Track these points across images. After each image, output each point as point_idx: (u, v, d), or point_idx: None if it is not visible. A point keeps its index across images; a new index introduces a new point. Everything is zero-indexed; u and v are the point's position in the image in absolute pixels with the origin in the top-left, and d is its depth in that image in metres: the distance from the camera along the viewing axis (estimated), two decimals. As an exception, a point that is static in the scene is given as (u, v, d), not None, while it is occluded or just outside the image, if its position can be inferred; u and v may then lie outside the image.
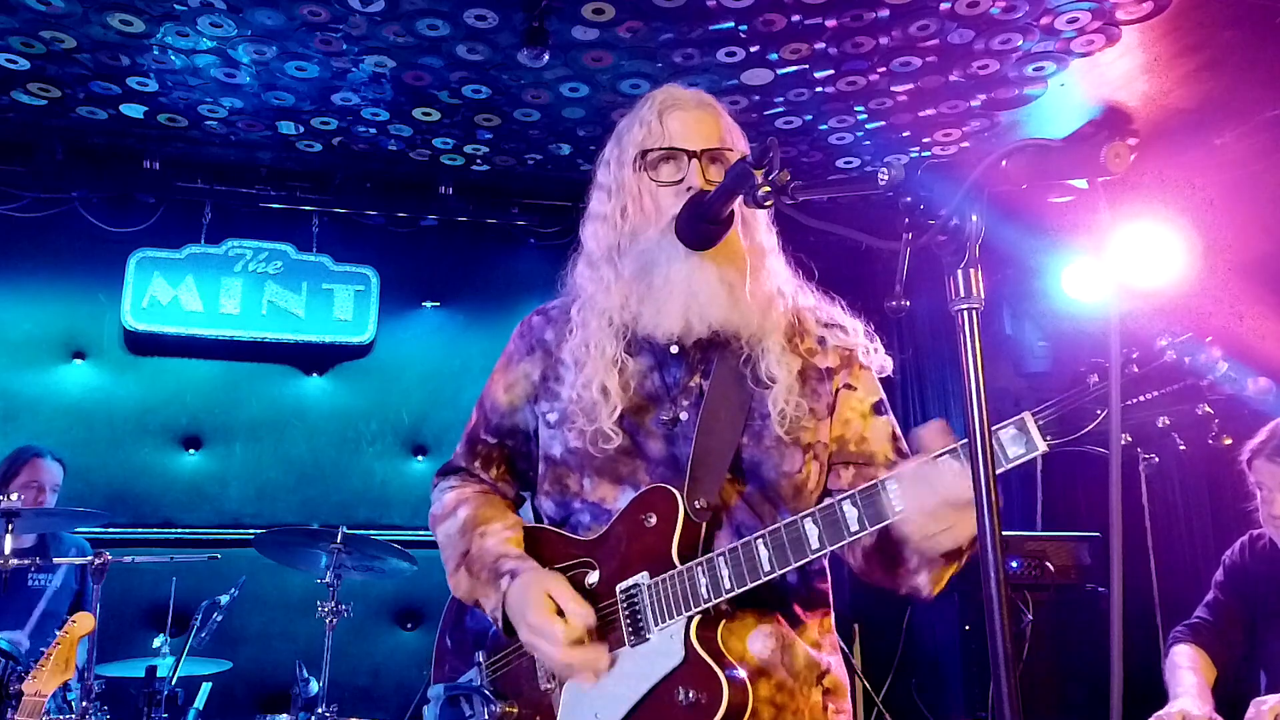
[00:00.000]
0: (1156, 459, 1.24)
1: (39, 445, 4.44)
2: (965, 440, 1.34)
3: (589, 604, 1.62)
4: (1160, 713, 2.68)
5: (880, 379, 1.82)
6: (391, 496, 5.41)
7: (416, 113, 4.64)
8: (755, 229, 1.76)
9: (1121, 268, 4.33)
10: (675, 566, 1.59)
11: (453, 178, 5.40)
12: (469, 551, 1.78)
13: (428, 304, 5.70)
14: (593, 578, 1.69)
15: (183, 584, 4.42)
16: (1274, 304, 4.16)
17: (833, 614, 1.80)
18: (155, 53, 4.12)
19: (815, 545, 1.50)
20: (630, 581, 1.63)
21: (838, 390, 1.76)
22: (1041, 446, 1.36)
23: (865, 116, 4.63)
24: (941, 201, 1.16)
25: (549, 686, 1.70)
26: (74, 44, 4.04)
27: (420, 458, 5.52)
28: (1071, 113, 4.57)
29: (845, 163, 5.08)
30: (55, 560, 4.01)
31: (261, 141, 4.99)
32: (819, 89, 4.36)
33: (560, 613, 1.60)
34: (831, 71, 4.22)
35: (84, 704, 3.50)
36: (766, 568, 1.53)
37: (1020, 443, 1.37)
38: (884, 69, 4.18)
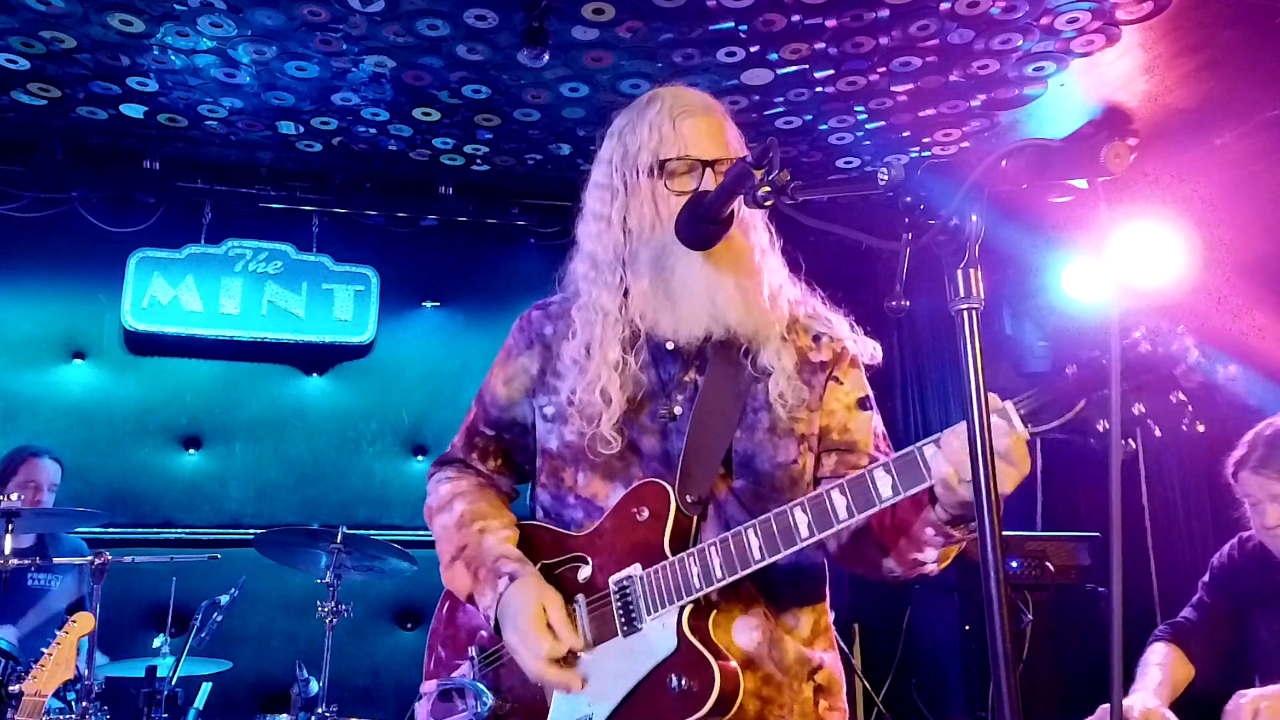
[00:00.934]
0: (1134, 445, 1.25)
1: (37, 445, 4.44)
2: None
3: (579, 635, 1.64)
4: (1105, 705, 2.64)
5: (875, 375, 1.85)
6: (391, 496, 5.41)
7: (416, 113, 4.64)
8: (751, 227, 1.78)
9: (1121, 268, 4.32)
10: (667, 558, 1.61)
11: (453, 178, 5.40)
12: (466, 547, 1.79)
13: (428, 304, 5.70)
14: (585, 572, 1.71)
15: (183, 584, 4.42)
16: (1274, 304, 4.16)
17: (830, 613, 1.80)
18: (155, 53, 4.12)
19: (805, 534, 1.51)
20: (623, 573, 1.65)
21: (827, 382, 1.78)
22: (1024, 433, 1.36)
23: (865, 116, 4.63)
24: (941, 201, 1.16)
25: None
26: (74, 44, 4.04)
27: (420, 458, 5.52)
28: (1071, 113, 4.57)
29: (845, 163, 5.08)
30: (56, 560, 4.01)
31: (261, 141, 4.99)
32: (819, 89, 4.36)
33: (550, 628, 1.62)
34: (831, 71, 4.22)
35: (84, 704, 3.49)
36: (757, 556, 1.54)
37: (1003, 431, 1.37)
38: (884, 69, 4.18)
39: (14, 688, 3.24)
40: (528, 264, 5.74)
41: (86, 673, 3.51)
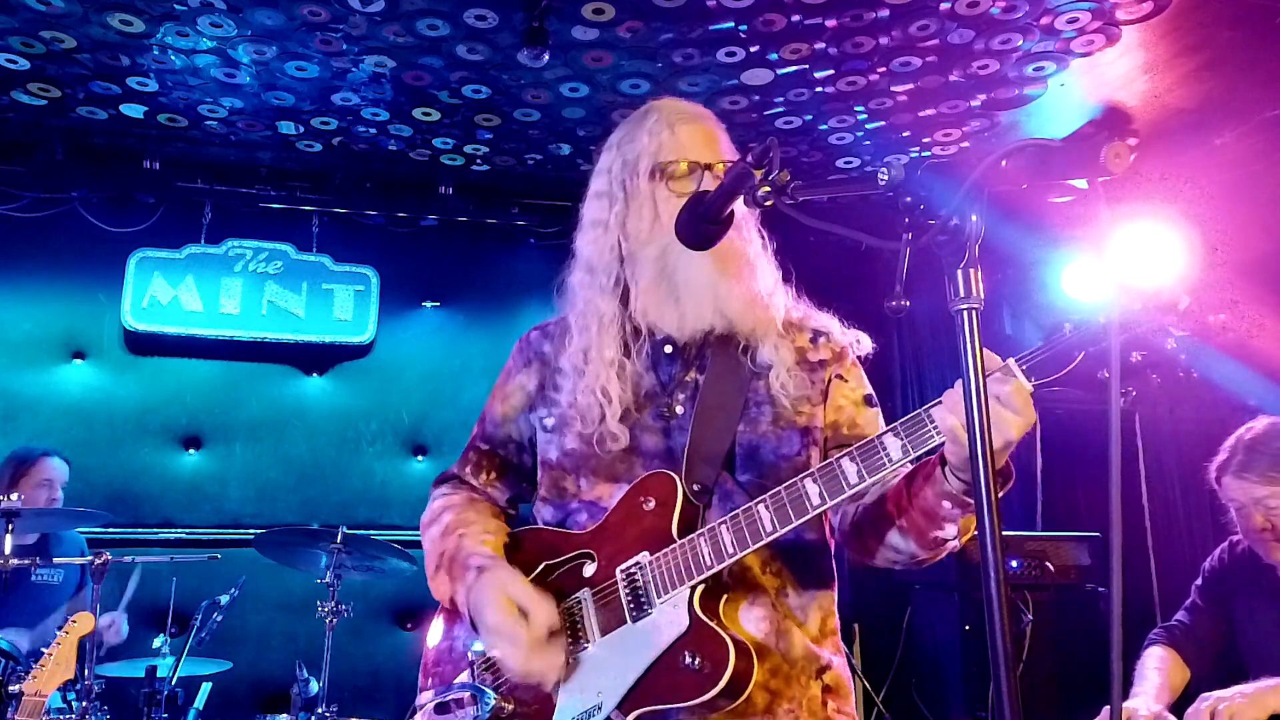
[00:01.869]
0: (1134, 391, 1.29)
1: (46, 445, 4.47)
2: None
3: (551, 601, 1.63)
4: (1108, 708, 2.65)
5: (875, 374, 1.87)
6: (391, 496, 5.41)
7: (416, 113, 4.64)
8: (744, 232, 1.81)
9: (1121, 267, 4.32)
10: (676, 542, 1.61)
11: (453, 178, 5.40)
12: (445, 552, 1.81)
13: (428, 304, 5.70)
14: (590, 568, 1.71)
15: (183, 584, 4.42)
16: (1274, 304, 4.16)
17: (837, 618, 1.80)
18: (155, 53, 4.12)
19: (816, 502, 1.52)
20: (631, 561, 1.65)
21: (830, 379, 1.80)
22: (1028, 386, 1.40)
23: (865, 116, 4.63)
24: (941, 201, 1.16)
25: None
26: (74, 44, 4.04)
27: (420, 458, 5.52)
28: (1071, 113, 4.57)
29: (845, 163, 5.08)
30: (56, 560, 4.01)
31: (261, 141, 4.99)
32: (819, 89, 4.36)
33: (524, 615, 1.61)
34: (831, 71, 4.21)
35: (84, 704, 3.49)
36: (769, 528, 1.54)
37: (1008, 384, 1.40)
38: (884, 69, 4.18)
39: (14, 688, 3.24)
40: (528, 264, 5.74)
41: (86, 672, 3.51)
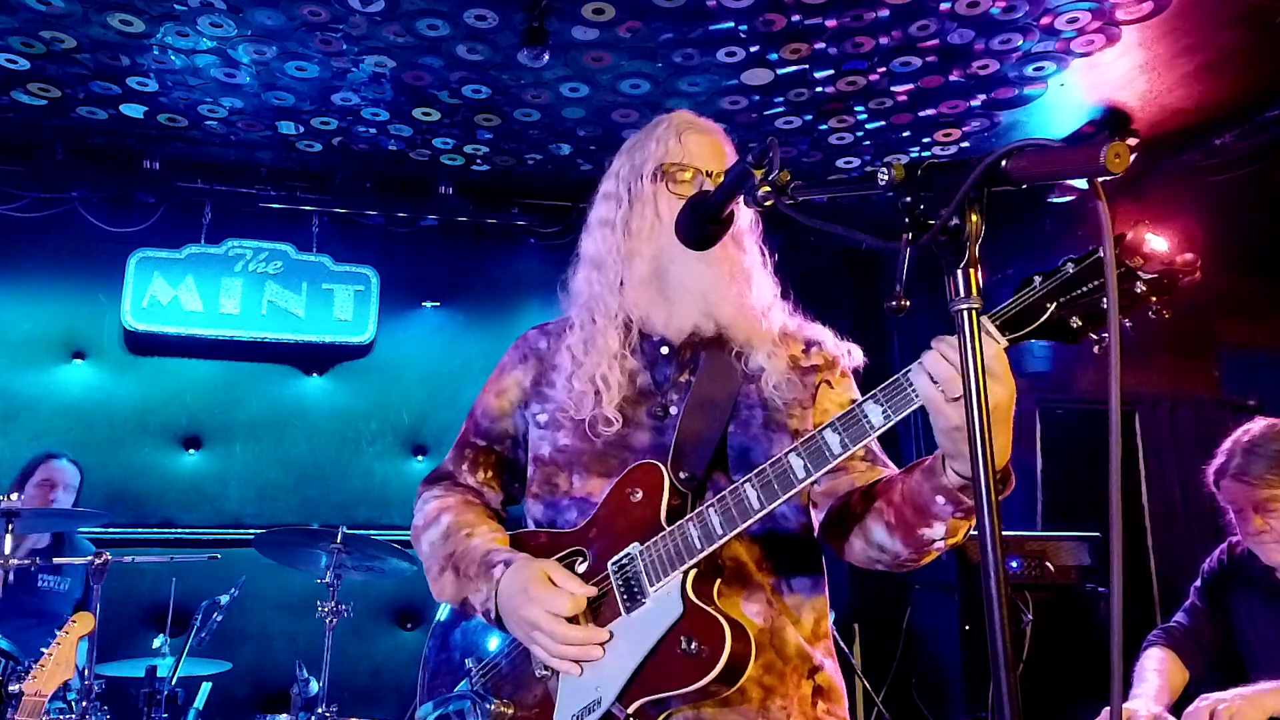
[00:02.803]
0: (1108, 336, 1.28)
1: (56, 449, 4.53)
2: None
3: (585, 584, 1.64)
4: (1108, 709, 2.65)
5: (875, 375, 1.84)
6: (391, 496, 5.41)
7: (416, 113, 4.64)
8: (742, 241, 1.85)
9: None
10: (665, 530, 1.61)
11: (453, 178, 5.40)
12: (453, 554, 1.79)
13: (428, 304, 5.70)
14: (583, 565, 1.71)
15: (183, 584, 4.43)
16: (1274, 304, 4.16)
17: (830, 621, 1.81)
18: (155, 53, 4.12)
19: (801, 475, 1.50)
20: (622, 553, 1.65)
21: (819, 384, 1.82)
22: (1003, 342, 1.40)
23: (865, 116, 4.63)
24: (941, 201, 1.16)
25: (544, 674, 1.70)
26: (74, 44, 4.04)
27: (420, 458, 5.52)
28: (1071, 113, 4.57)
29: (845, 163, 5.08)
30: (56, 560, 4.01)
31: (261, 141, 4.99)
32: (819, 89, 4.36)
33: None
34: (831, 71, 4.21)
35: (84, 704, 3.50)
36: (755, 506, 1.53)
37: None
38: (884, 69, 4.18)
39: (14, 688, 3.24)
40: (528, 264, 5.74)
41: (86, 672, 3.52)
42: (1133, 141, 4.67)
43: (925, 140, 4.86)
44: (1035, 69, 4.17)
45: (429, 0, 3.71)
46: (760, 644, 1.64)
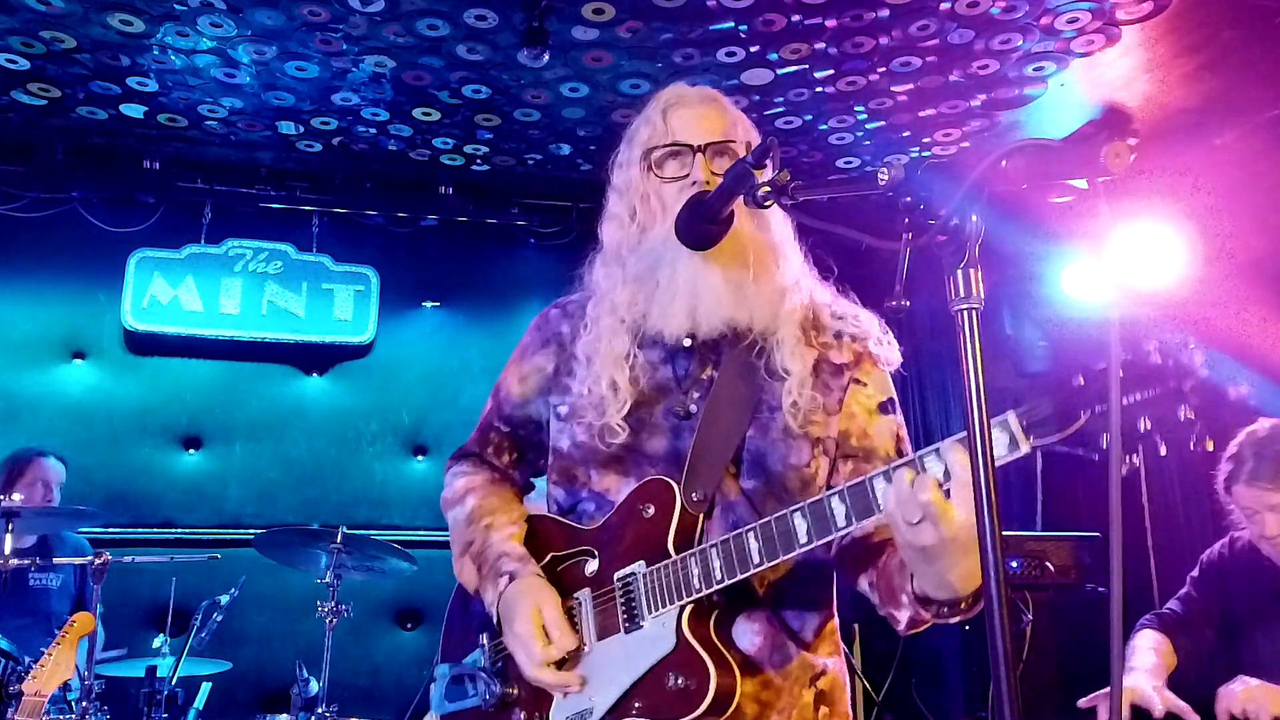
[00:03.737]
0: (1138, 462, 1.21)
1: (40, 445, 4.46)
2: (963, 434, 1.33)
3: (575, 635, 1.65)
4: (1104, 690, 2.63)
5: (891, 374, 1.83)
6: (391, 496, 5.41)
7: (416, 113, 4.64)
8: (768, 224, 1.77)
9: (1121, 268, 4.32)
10: (670, 556, 1.61)
11: (453, 178, 5.40)
12: (473, 543, 1.82)
13: (428, 304, 5.70)
14: (592, 566, 1.72)
15: (183, 584, 4.42)
16: (1274, 304, 4.16)
17: (836, 618, 1.80)
18: (155, 53, 4.12)
19: (803, 539, 1.50)
20: (627, 570, 1.66)
21: (848, 384, 1.76)
22: (1025, 448, 1.33)
23: (865, 116, 4.63)
24: (941, 201, 1.16)
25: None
26: (74, 44, 4.04)
27: (420, 458, 5.52)
28: (1071, 113, 4.57)
29: (845, 163, 5.08)
30: (56, 560, 4.01)
31: (261, 141, 4.99)
32: (819, 89, 4.36)
33: (545, 631, 1.64)
34: (831, 71, 4.22)
35: (84, 704, 3.49)
36: (756, 559, 1.54)
37: (1003, 444, 1.34)
38: (884, 69, 4.18)
39: (14, 688, 3.24)
40: (528, 264, 5.73)
41: (86, 672, 3.51)
42: (1133, 141, 4.67)
43: (925, 140, 4.86)
44: (1035, 69, 4.16)
45: (429, 0, 3.71)
46: (759, 662, 1.65)
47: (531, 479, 2.02)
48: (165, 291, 5.22)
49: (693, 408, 1.73)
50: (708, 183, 1.70)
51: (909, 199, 1.19)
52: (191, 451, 5.27)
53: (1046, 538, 4.64)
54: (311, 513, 5.24)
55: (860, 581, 1.69)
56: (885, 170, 1.21)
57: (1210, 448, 1.22)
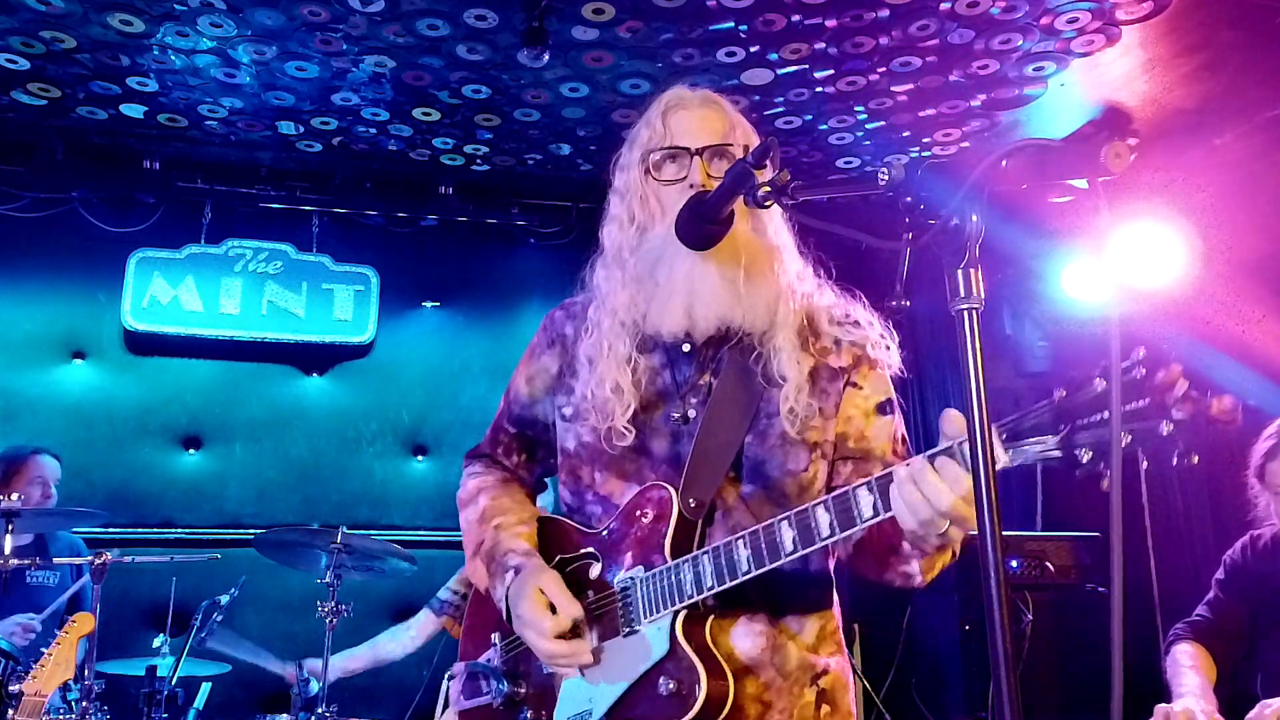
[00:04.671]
0: (1108, 473, 1.19)
1: (35, 443, 4.45)
2: (960, 440, 1.34)
3: (578, 601, 1.68)
4: (1164, 706, 2.65)
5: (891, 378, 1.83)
6: (391, 496, 5.40)
7: (416, 113, 4.64)
8: (765, 226, 1.77)
9: (1121, 268, 4.32)
10: (667, 562, 1.64)
11: (453, 178, 5.39)
12: (484, 542, 1.85)
13: (428, 304, 5.70)
14: (595, 570, 1.75)
15: (183, 584, 4.42)
16: (1274, 305, 4.16)
17: (838, 617, 1.80)
18: (155, 53, 4.12)
19: (789, 549, 1.52)
20: (625, 575, 1.68)
21: (845, 387, 1.76)
22: (1003, 461, 1.33)
23: (865, 116, 4.63)
24: (941, 201, 1.16)
25: (550, 669, 1.76)
26: (74, 44, 4.04)
27: (420, 458, 5.51)
28: (1071, 113, 4.57)
29: (845, 163, 5.08)
30: (55, 560, 4.01)
31: (261, 141, 4.99)
32: (819, 89, 4.36)
33: (552, 608, 1.66)
34: (831, 71, 4.21)
35: (84, 704, 3.49)
36: (744, 567, 1.56)
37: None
38: (884, 69, 4.18)
39: (14, 688, 3.24)
40: (528, 264, 5.73)
41: (86, 672, 3.51)
42: (1133, 141, 4.67)
43: (925, 140, 4.86)
44: (1035, 69, 4.16)
45: (429, 0, 3.71)
46: (759, 665, 1.67)
47: (544, 478, 2.06)
48: (165, 291, 5.21)
49: (691, 414, 1.74)
50: (705, 185, 1.70)
51: (909, 199, 1.20)
52: (191, 451, 5.27)
53: (1046, 538, 4.64)
54: (311, 513, 5.23)
55: (884, 576, 1.67)
56: (885, 170, 1.21)
57: (1194, 461, 1.17)
